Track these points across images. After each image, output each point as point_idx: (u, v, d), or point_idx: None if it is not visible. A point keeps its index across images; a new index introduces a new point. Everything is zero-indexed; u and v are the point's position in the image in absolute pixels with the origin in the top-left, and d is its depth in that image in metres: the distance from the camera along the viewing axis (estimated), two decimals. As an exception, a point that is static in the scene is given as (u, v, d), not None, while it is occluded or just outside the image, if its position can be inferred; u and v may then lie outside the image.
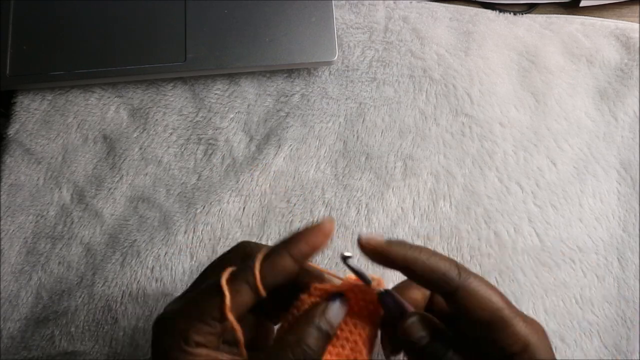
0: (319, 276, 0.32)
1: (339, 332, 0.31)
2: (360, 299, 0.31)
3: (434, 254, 0.30)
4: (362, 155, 0.48)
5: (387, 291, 0.31)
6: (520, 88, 0.50)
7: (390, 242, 0.30)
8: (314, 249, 0.29)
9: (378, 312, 0.32)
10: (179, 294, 0.43)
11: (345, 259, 0.30)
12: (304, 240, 0.29)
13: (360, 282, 0.31)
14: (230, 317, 0.28)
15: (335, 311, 0.30)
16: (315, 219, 0.46)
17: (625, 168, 0.48)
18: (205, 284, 0.30)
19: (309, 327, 0.29)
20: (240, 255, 0.33)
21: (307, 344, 0.28)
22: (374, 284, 0.31)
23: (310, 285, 0.31)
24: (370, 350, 0.32)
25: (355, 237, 0.45)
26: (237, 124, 0.49)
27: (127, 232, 0.46)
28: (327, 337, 0.30)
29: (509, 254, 0.45)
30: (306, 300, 0.31)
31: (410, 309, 0.31)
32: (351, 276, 0.32)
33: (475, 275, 0.30)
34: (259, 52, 0.48)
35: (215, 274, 0.30)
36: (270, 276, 0.29)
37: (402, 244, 0.30)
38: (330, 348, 0.30)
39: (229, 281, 0.28)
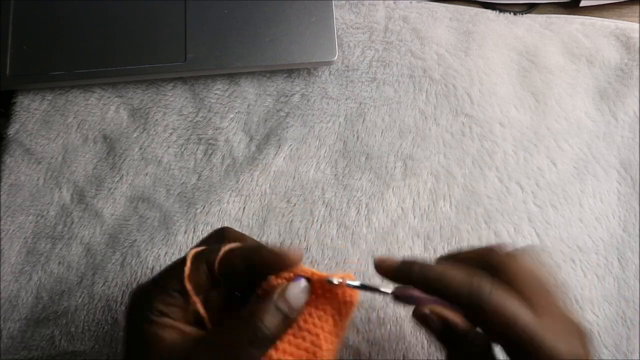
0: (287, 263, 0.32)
1: (302, 323, 0.30)
2: (328, 292, 0.31)
3: (453, 268, 0.29)
4: (362, 155, 0.48)
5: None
6: (520, 88, 0.50)
7: (404, 262, 0.30)
8: (283, 268, 0.31)
9: (347, 309, 0.31)
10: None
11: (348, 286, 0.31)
12: (281, 258, 0.30)
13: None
14: (188, 286, 0.29)
15: (296, 292, 0.30)
16: (315, 219, 0.46)
17: (625, 168, 0.48)
18: (174, 260, 0.31)
19: (266, 305, 0.29)
20: (218, 238, 0.34)
21: (262, 320, 0.28)
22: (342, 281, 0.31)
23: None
24: (333, 346, 0.31)
25: (355, 237, 0.45)
26: (237, 124, 0.49)
27: (127, 232, 0.46)
28: (286, 319, 0.29)
29: (509, 254, 0.45)
30: (273, 281, 0.31)
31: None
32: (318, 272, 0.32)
33: (501, 287, 0.28)
34: (259, 52, 0.48)
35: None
36: (231, 260, 0.30)
37: (417, 264, 0.30)
38: (291, 337, 0.30)
39: (193, 257, 0.30)
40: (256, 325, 0.28)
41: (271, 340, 0.29)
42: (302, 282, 0.31)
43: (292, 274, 0.31)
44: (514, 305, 0.28)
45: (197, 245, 0.33)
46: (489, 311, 0.27)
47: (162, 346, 0.28)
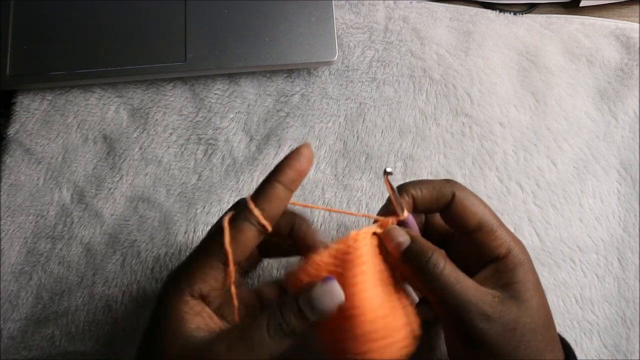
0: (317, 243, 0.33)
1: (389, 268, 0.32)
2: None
3: (428, 181, 0.34)
4: (362, 155, 0.48)
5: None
6: (520, 88, 0.50)
7: (401, 190, 0.34)
8: (301, 174, 0.30)
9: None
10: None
11: (386, 174, 0.31)
12: (289, 167, 0.30)
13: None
14: (228, 250, 0.28)
15: (320, 295, 0.29)
16: (316, 219, 0.46)
17: (625, 168, 0.48)
18: (209, 231, 0.31)
19: (289, 303, 0.29)
20: None
21: (285, 320, 0.28)
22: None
23: (319, 249, 0.32)
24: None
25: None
26: (237, 124, 0.49)
27: (127, 232, 0.46)
28: (305, 320, 0.29)
29: (509, 254, 0.45)
30: (315, 261, 0.31)
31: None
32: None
33: (466, 189, 0.34)
34: (259, 52, 0.48)
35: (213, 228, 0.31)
36: (268, 208, 0.29)
37: (403, 188, 0.34)
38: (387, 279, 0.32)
39: (230, 222, 0.29)
40: (275, 321, 0.28)
41: (292, 337, 0.28)
42: (331, 284, 0.29)
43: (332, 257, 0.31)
44: (483, 207, 0.34)
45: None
46: (467, 207, 0.33)
47: (183, 332, 0.28)
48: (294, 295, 0.29)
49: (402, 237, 0.32)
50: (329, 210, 0.34)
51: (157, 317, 0.29)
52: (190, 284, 0.29)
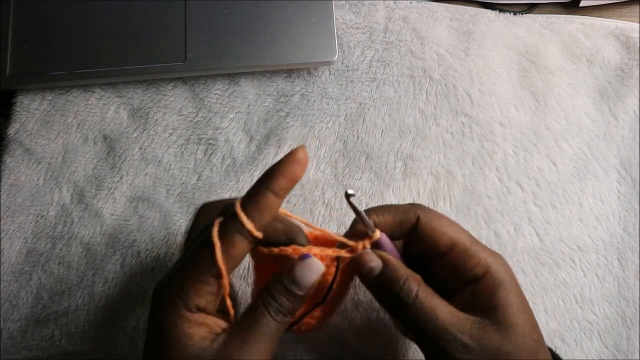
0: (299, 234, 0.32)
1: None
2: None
3: (391, 206, 0.33)
4: (362, 155, 0.48)
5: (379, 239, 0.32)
6: (520, 88, 0.50)
7: (357, 222, 0.32)
8: (293, 181, 0.28)
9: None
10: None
11: (348, 196, 0.30)
12: (282, 174, 0.28)
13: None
14: (222, 266, 0.27)
15: (304, 272, 0.30)
16: (315, 219, 0.46)
17: (625, 168, 0.48)
18: (197, 242, 0.29)
19: (276, 286, 0.30)
20: (212, 212, 0.32)
21: (279, 303, 0.29)
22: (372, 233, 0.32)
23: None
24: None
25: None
26: (237, 124, 0.49)
27: (127, 232, 0.46)
28: (298, 297, 0.30)
29: (509, 253, 0.45)
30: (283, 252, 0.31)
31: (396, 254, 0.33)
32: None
33: (433, 211, 0.32)
34: (259, 52, 0.48)
35: (200, 238, 0.29)
36: (258, 218, 0.28)
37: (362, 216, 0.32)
38: None
39: (219, 234, 0.28)
40: (275, 307, 0.29)
41: (290, 314, 0.30)
42: (312, 262, 0.30)
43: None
44: (453, 226, 0.32)
45: (189, 232, 0.33)
46: (435, 228, 0.32)
47: (192, 347, 0.27)
48: (277, 277, 0.30)
49: (374, 263, 0.31)
50: (307, 224, 0.34)
51: (158, 338, 0.28)
52: (186, 301, 0.28)
